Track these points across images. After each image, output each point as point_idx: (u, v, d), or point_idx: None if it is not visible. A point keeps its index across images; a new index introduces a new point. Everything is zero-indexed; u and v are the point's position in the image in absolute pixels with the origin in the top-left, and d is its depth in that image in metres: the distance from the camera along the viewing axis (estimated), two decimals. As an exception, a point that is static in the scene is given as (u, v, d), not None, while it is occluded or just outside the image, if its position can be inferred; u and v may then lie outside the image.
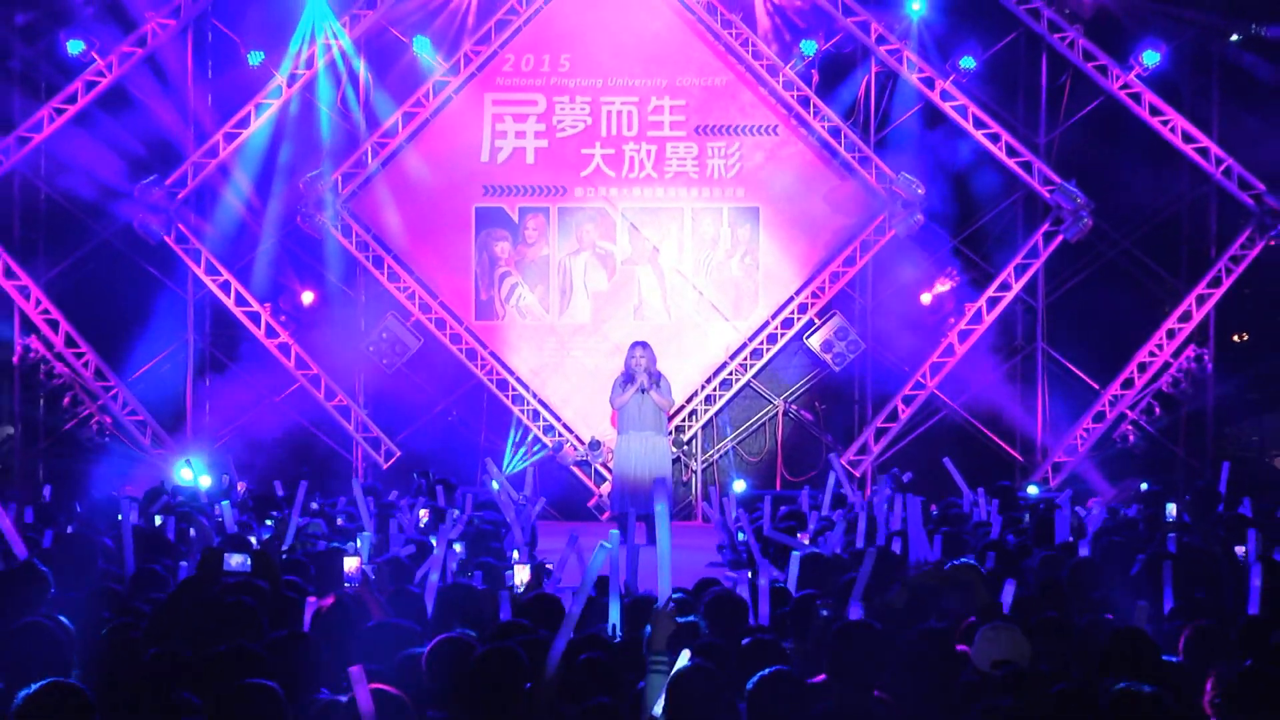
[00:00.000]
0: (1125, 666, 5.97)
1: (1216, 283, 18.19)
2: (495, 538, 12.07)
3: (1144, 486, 14.81)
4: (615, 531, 7.82)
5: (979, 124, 18.09)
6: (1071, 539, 10.94)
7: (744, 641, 6.38)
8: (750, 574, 9.83)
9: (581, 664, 6.32)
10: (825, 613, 7.51)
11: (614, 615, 7.17)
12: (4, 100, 18.20)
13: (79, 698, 4.99)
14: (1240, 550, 9.58)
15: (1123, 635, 6.39)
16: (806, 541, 11.29)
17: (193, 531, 11.17)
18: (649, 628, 5.81)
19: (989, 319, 18.31)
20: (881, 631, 6.22)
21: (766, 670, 5.51)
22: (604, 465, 17.88)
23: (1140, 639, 6.35)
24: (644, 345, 15.69)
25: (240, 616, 6.76)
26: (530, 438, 18.34)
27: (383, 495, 14.23)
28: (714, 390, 18.62)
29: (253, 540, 10.59)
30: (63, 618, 6.48)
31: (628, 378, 15.58)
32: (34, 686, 5.02)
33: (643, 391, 15.42)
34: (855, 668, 5.91)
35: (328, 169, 18.22)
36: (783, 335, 18.60)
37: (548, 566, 10.69)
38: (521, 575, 9.81)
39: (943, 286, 18.45)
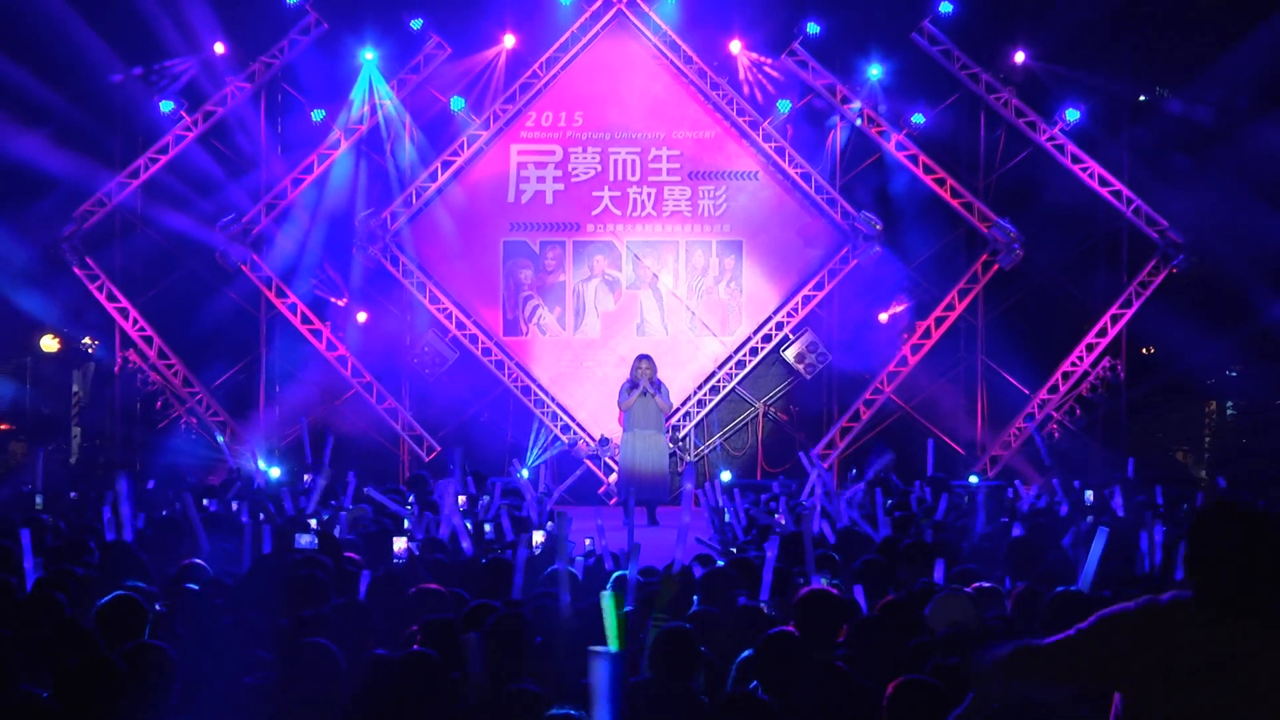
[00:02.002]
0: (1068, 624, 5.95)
1: (1128, 304, 18.21)
2: (522, 526, 12.08)
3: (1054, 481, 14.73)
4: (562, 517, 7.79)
5: (928, 170, 18.12)
6: (1007, 520, 10.95)
7: (737, 605, 6.37)
8: (735, 551, 9.85)
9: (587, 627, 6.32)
10: (799, 580, 7.53)
11: (632, 575, 7.16)
12: (108, 151, 18.25)
13: (163, 656, 4.99)
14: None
15: (1067, 597, 6.36)
16: (783, 522, 11.31)
17: (261, 515, 11.19)
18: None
19: (936, 335, 18.32)
20: (839, 597, 6.20)
21: (772, 630, 5.50)
22: (611, 458, 17.88)
23: (1079, 600, 6.33)
24: (647, 357, 15.76)
25: (308, 587, 6.77)
26: (549, 435, 18.32)
27: (430, 483, 14.19)
28: (704, 395, 18.62)
29: (313, 523, 10.59)
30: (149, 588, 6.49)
31: (633, 384, 15.62)
32: (127, 646, 5.02)
33: (645, 395, 15.48)
34: (820, 628, 5.88)
35: (379, 208, 18.24)
36: (762, 349, 18.59)
37: (559, 512, 10.82)
38: (537, 538, 9.93)
39: (898, 307, 18.43)
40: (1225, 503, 3.72)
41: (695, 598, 7.15)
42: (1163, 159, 18.04)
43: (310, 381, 18.41)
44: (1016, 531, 9.92)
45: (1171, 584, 7.29)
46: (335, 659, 5.00)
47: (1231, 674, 3.48)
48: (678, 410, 18.11)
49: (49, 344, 19.09)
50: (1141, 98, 18.75)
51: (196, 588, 7.21)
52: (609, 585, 7.02)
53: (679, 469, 18.20)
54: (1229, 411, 20.55)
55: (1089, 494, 12.96)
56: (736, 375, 18.64)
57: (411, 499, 12.32)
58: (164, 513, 11.66)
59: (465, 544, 9.13)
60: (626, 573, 7.09)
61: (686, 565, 8.24)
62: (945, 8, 17.98)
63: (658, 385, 15.61)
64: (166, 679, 4.89)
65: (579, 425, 18.44)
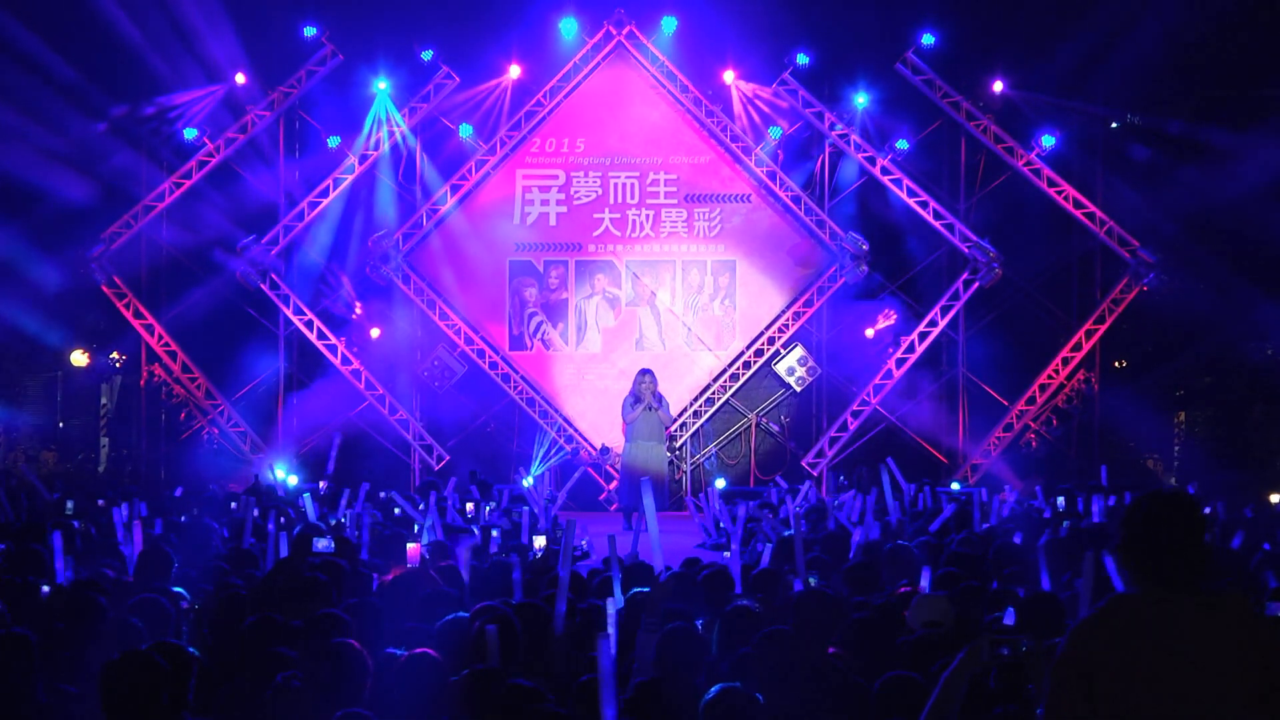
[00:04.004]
0: (1039, 623, 5.96)
1: (1101, 320, 18.23)
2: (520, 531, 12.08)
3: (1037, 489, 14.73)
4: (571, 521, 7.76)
5: (911, 193, 18.15)
6: (987, 525, 10.97)
7: (727, 608, 6.38)
8: (726, 554, 9.86)
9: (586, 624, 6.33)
10: (789, 579, 7.55)
11: (617, 586, 7.17)
12: (134, 176, 18.30)
13: (183, 653, 5.01)
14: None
15: (1038, 598, 6.35)
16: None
17: (282, 519, 11.18)
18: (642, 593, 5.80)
19: (920, 349, 18.33)
20: (832, 597, 6.21)
21: (766, 629, 5.50)
22: (611, 466, 17.89)
23: (1051, 602, 6.34)
24: (649, 372, 15.66)
25: (323, 588, 6.77)
26: (553, 445, 18.33)
27: (441, 489, 14.19)
28: (700, 406, 18.64)
29: (322, 526, 10.59)
30: (179, 589, 6.49)
31: (636, 398, 15.55)
32: (146, 644, 5.04)
33: (649, 409, 15.41)
34: (813, 625, 5.88)
35: (391, 230, 18.28)
36: (755, 363, 18.61)
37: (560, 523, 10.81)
38: (539, 542, 9.93)
39: (883, 323, 18.46)
40: (1158, 491, 3.83)
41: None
42: (1134, 182, 18.08)
43: (326, 394, 18.40)
44: (1000, 536, 9.93)
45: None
46: (363, 658, 5.03)
47: (1183, 653, 3.58)
48: (675, 420, 18.12)
49: (78, 359, 19.11)
50: (1114, 124, 18.80)
51: (216, 588, 7.23)
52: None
53: (675, 476, 18.21)
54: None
55: (1060, 500, 13.00)
56: (730, 388, 18.66)
57: (423, 505, 12.31)
58: (182, 519, 11.66)
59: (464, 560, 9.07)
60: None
61: (674, 570, 8.22)
62: (928, 39, 18.05)
63: (659, 399, 15.58)
64: (185, 677, 4.91)
65: (581, 435, 18.45)
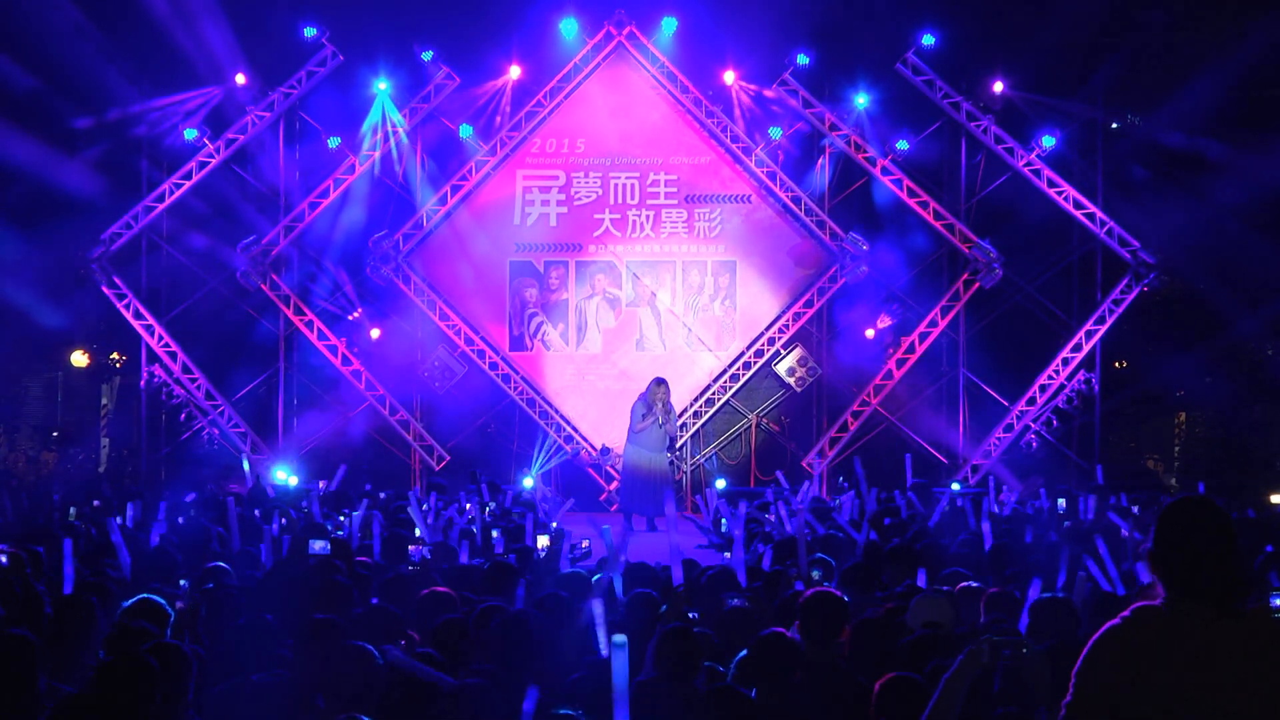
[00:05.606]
0: (1049, 629, 5.94)
1: (1101, 321, 18.22)
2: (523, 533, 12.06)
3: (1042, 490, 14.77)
4: (607, 528, 7.78)
5: (912, 193, 18.14)
6: (987, 525, 10.95)
7: (721, 609, 6.36)
8: (728, 554, 9.85)
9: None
10: (792, 579, 7.54)
11: (617, 585, 7.18)
12: (134, 176, 18.28)
13: (181, 654, 5.02)
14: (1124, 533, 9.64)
15: (1049, 603, 6.32)
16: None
17: (284, 520, 11.19)
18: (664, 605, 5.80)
19: (920, 349, 18.32)
20: (838, 598, 6.18)
21: (764, 631, 5.48)
22: (611, 467, 17.87)
23: (1064, 606, 6.31)
24: (663, 382, 15.49)
25: (330, 590, 6.75)
26: (553, 444, 18.32)
27: (446, 490, 14.23)
28: (700, 407, 18.62)
29: (328, 527, 10.58)
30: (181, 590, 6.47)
31: (648, 406, 15.43)
32: (146, 645, 5.04)
33: (658, 424, 15.34)
34: (820, 628, 5.85)
35: (392, 230, 18.26)
36: (755, 363, 18.59)
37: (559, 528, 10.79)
38: (542, 541, 9.92)
39: (883, 323, 18.45)
40: (1192, 496, 3.73)
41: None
42: (1134, 182, 18.08)
43: (326, 394, 18.40)
44: (994, 538, 9.92)
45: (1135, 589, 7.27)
46: (374, 660, 5.02)
47: (1208, 669, 3.50)
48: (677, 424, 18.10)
49: (79, 359, 19.09)
50: (1114, 124, 18.79)
51: (213, 588, 7.22)
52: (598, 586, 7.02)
53: (676, 477, 18.19)
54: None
55: (1061, 501, 13.00)
56: (731, 388, 18.64)
57: (425, 506, 12.32)
58: (180, 520, 11.65)
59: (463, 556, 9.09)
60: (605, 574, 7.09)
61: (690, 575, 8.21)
62: (928, 40, 18.03)
63: (669, 410, 15.49)
64: (183, 676, 4.90)
65: (581, 436, 18.43)
